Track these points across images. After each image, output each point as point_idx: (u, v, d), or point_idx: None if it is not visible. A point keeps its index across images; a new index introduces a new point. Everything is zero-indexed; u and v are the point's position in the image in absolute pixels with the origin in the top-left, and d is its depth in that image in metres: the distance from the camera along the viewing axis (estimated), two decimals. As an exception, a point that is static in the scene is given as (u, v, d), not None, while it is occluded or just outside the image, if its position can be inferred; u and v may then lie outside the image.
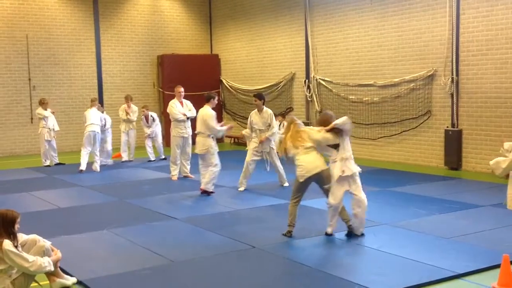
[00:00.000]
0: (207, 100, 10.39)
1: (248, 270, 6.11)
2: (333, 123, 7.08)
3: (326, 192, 7.20)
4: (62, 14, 18.10)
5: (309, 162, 7.11)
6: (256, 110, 10.82)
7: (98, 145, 13.76)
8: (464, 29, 12.44)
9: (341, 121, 7.06)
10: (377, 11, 14.39)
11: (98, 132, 13.68)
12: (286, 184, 10.86)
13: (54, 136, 14.68)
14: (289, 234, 7.28)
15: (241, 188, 10.58)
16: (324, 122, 7.30)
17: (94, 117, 13.72)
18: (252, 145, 10.77)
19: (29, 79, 17.56)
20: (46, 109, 14.47)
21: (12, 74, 17.36)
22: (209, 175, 10.13)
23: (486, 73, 12.14)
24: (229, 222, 8.27)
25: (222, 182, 11.16)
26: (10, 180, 12.45)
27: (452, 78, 12.66)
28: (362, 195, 7.19)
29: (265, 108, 10.73)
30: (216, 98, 10.62)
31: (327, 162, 7.30)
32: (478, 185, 10.83)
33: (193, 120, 12.07)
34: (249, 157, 10.67)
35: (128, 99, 15.14)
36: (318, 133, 7.19)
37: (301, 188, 7.28)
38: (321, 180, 7.19)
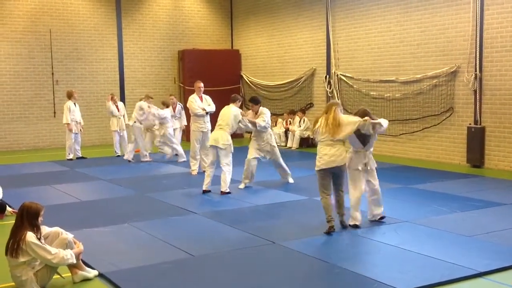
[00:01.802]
0: (234, 100, 10.39)
1: (268, 266, 6.11)
2: (378, 120, 7.46)
3: (339, 185, 7.42)
4: (85, 9, 18.26)
5: (329, 155, 7.22)
6: (251, 111, 10.68)
7: (134, 138, 14.16)
8: (488, 25, 12.27)
9: (385, 123, 7.51)
10: (400, 6, 14.25)
11: (131, 125, 14.34)
12: (291, 180, 10.82)
13: (81, 129, 14.90)
14: (332, 230, 7.22)
15: (241, 186, 10.42)
16: (361, 115, 7.55)
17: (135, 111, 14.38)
18: (253, 144, 10.60)
19: (52, 74, 17.75)
20: (74, 101, 14.66)
21: (35, 69, 17.58)
22: (226, 177, 9.97)
23: (510, 70, 11.96)
24: (249, 217, 8.28)
25: (240, 177, 11.16)
26: (33, 173, 12.61)
27: (476, 75, 12.50)
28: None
29: (260, 109, 10.53)
30: (241, 101, 10.61)
31: None
32: (500, 183, 10.69)
33: (212, 115, 12.12)
34: (250, 155, 10.49)
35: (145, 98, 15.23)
36: (355, 118, 7.44)
37: (322, 180, 7.35)
38: (336, 173, 7.35)
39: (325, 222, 7.37)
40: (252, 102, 10.68)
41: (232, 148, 10.10)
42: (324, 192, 7.38)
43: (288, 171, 10.89)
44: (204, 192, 10.03)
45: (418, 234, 7.17)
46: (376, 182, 7.66)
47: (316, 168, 7.37)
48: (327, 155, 7.25)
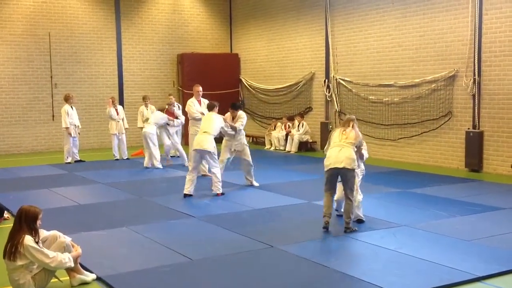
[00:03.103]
0: (212, 107, 10.56)
1: (266, 270, 6.10)
2: (364, 155, 7.89)
3: (346, 190, 7.45)
4: (84, 12, 18.26)
5: (336, 156, 7.35)
6: (229, 114, 10.89)
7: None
8: (487, 29, 12.29)
9: (365, 157, 7.95)
10: (399, 10, 14.28)
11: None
12: (256, 184, 10.92)
13: (78, 133, 14.89)
14: (326, 225, 7.41)
15: None
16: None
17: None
18: (226, 143, 10.90)
19: (51, 77, 17.75)
20: (71, 105, 14.64)
21: (34, 72, 17.57)
22: (219, 178, 10.17)
23: (508, 74, 11.98)
24: (247, 221, 8.27)
25: (240, 181, 11.17)
26: (31, 177, 12.59)
27: (474, 79, 12.52)
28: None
29: (238, 113, 10.82)
30: (218, 106, 10.78)
31: None
32: (499, 187, 10.70)
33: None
34: (224, 156, 10.82)
35: (145, 99, 15.22)
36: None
37: (328, 179, 7.50)
38: (343, 177, 7.39)
39: (322, 226, 7.51)
40: (234, 108, 10.91)
41: (216, 150, 10.28)
42: (324, 189, 7.58)
43: (252, 175, 11.00)
44: (186, 196, 10.03)
45: (416, 238, 7.17)
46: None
47: (325, 169, 7.49)
48: (334, 156, 7.37)
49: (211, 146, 10.06)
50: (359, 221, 7.86)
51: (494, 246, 6.79)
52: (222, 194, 10.11)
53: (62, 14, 17.91)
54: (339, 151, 7.35)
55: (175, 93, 19.39)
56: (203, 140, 10.07)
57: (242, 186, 10.91)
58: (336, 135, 7.57)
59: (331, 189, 7.55)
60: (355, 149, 7.45)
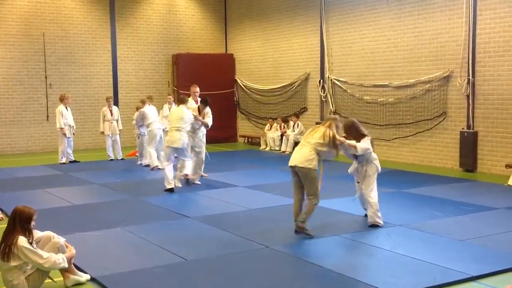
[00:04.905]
0: (184, 101, 10.94)
1: (261, 270, 6.10)
2: (357, 145, 7.46)
3: (305, 189, 7.33)
4: (79, 12, 18.23)
5: (294, 154, 7.43)
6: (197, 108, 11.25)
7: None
8: (481, 30, 12.34)
9: (360, 148, 7.46)
10: (393, 11, 14.31)
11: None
12: (198, 182, 11.18)
13: (73, 133, 14.85)
14: (296, 228, 7.29)
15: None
16: (346, 128, 7.71)
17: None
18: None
19: (46, 77, 17.71)
20: (65, 105, 14.59)
21: (28, 72, 17.53)
22: (191, 166, 10.90)
23: (502, 75, 12.03)
24: (242, 221, 8.27)
25: (236, 181, 11.17)
26: (26, 177, 12.56)
27: (468, 80, 12.56)
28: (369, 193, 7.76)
29: (206, 110, 11.16)
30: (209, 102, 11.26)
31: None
32: (493, 187, 10.73)
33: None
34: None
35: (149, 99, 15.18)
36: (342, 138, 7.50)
37: (292, 179, 7.45)
38: (299, 175, 7.28)
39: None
40: (204, 103, 11.15)
41: (189, 146, 10.77)
42: (293, 189, 7.49)
43: (201, 172, 11.33)
44: (167, 190, 10.40)
45: (411, 238, 7.18)
46: (366, 189, 7.71)
47: None
48: (293, 154, 7.45)
49: (182, 142, 10.49)
50: (374, 225, 7.68)
51: (488, 246, 6.81)
52: (190, 179, 10.76)
53: (57, 15, 17.87)
54: (298, 150, 7.38)
55: (170, 94, 19.39)
56: (173, 136, 10.51)
57: (237, 187, 10.90)
58: (306, 133, 7.57)
59: (295, 188, 7.42)
60: (319, 149, 7.19)
